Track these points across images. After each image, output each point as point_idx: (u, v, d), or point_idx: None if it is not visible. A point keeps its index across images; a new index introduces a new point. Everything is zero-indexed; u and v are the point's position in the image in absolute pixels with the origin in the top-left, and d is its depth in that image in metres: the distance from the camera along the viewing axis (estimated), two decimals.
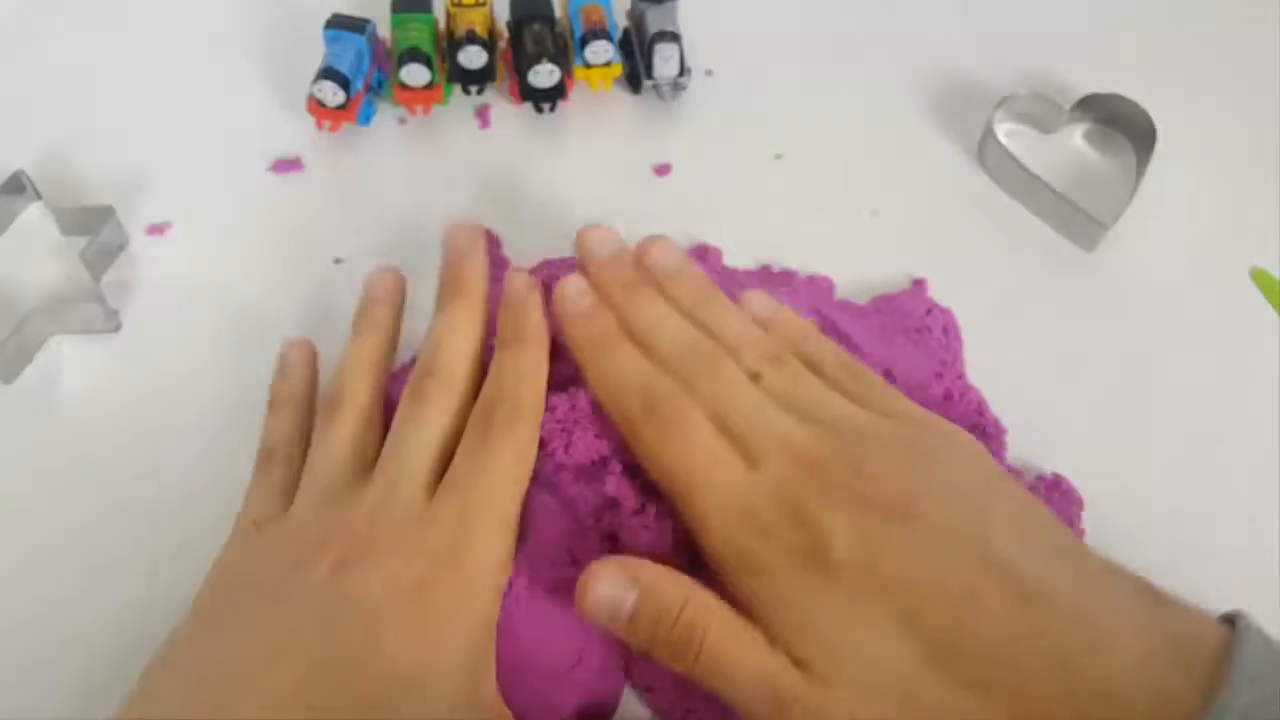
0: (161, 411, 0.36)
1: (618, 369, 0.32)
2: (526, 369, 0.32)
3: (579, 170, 0.43)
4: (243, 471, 0.34)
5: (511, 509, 0.30)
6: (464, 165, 0.43)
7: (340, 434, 0.32)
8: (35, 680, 0.30)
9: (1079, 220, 0.41)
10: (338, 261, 0.40)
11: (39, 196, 0.40)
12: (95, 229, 0.38)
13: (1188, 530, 0.35)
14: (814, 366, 0.33)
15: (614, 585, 0.27)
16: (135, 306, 0.39)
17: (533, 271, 0.38)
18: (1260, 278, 0.42)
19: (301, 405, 0.34)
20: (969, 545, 0.27)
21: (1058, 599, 0.26)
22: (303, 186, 0.42)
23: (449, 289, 0.34)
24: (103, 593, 0.32)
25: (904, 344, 0.37)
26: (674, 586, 0.27)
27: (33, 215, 0.40)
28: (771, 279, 0.40)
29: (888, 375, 0.35)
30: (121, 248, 0.40)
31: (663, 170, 0.43)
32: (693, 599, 0.27)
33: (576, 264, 0.36)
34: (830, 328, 0.37)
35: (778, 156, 0.44)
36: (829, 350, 0.34)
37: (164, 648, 0.28)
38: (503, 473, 0.30)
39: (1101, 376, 0.38)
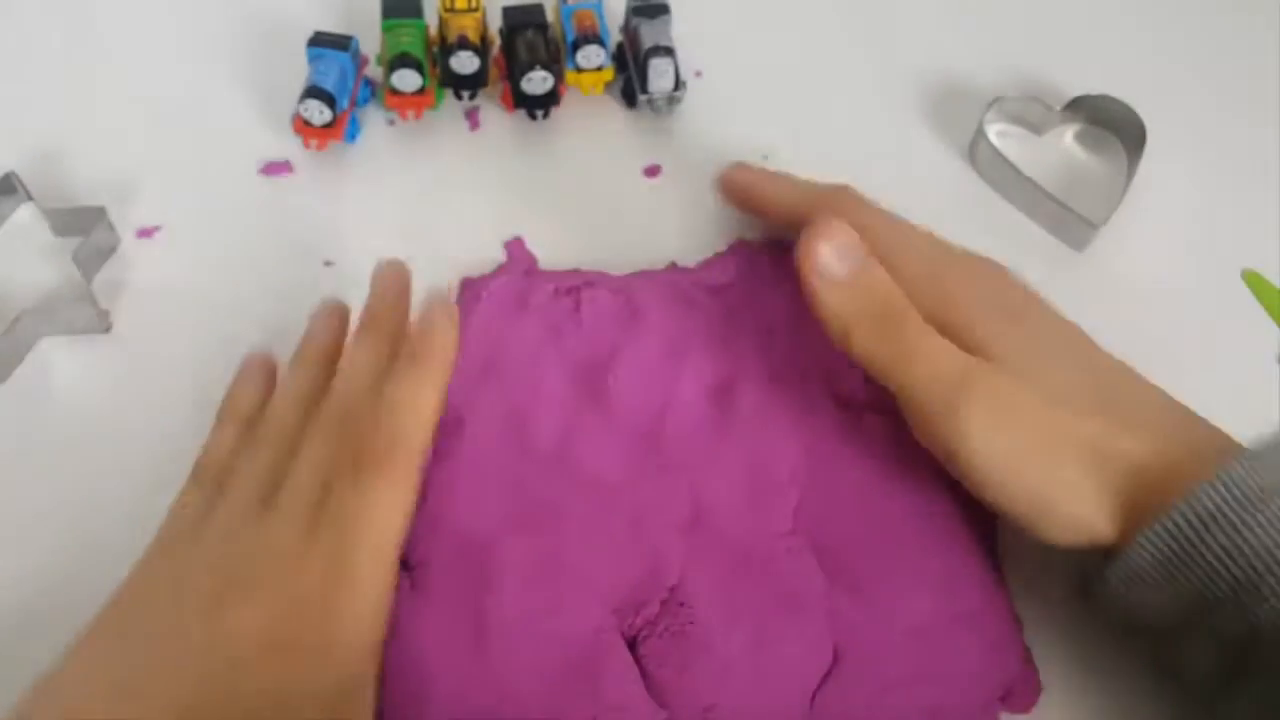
0: (152, 412, 0.36)
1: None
2: (407, 395, 0.31)
3: (568, 172, 0.43)
4: None
5: (388, 552, 0.29)
6: (453, 166, 0.43)
7: (257, 466, 0.31)
8: (28, 680, 0.30)
9: (1070, 221, 0.41)
10: (327, 264, 0.40)
11: (30, 198, 0.40)
12: (87, 230, 0.39)
13: None
14: None
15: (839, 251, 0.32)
16: (126, 307, 0.39)
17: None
18: (1252, 280, 0.42)
19: (248, 424, 0.34)
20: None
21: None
22: (292, 189, 0.42)
23: (371, 326, 0.34)
24: (94, 594, 0.32)
25: None
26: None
27: (24, 216, 0.41)
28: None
29: None
30: (113, 249, 0.40)
31: (652, 171, 0.43)
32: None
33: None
34: None
35: (765, 157, 0.44)
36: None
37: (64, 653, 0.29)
38: (378, 514, 0.29)
39: None
